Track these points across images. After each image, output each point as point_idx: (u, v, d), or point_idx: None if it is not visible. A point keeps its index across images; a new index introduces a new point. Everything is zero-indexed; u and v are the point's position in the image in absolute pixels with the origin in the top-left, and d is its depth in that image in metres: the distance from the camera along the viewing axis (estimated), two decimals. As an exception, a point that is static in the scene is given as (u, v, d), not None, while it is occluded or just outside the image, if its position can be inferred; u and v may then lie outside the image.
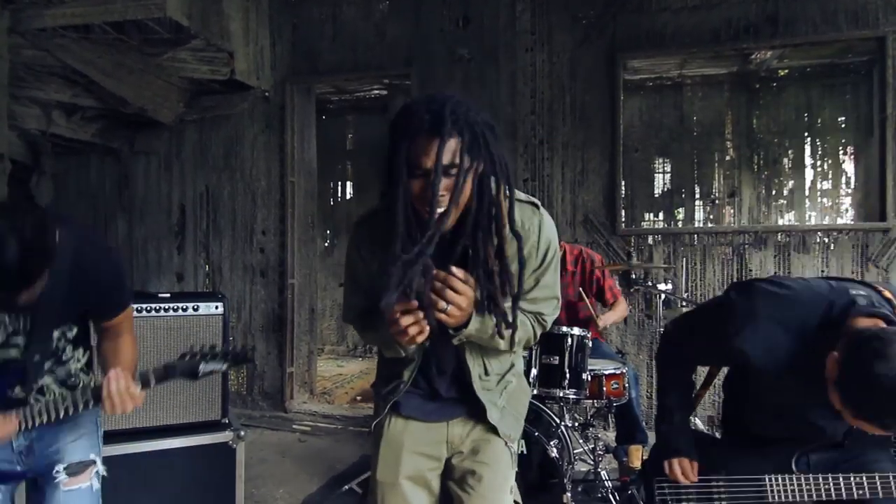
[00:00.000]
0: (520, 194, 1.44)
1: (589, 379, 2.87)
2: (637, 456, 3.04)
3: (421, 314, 1.27)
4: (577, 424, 3.23)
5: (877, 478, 1.54)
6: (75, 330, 1.67)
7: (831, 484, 1.57)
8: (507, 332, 1.37)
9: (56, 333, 1.62)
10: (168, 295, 2.69)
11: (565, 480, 2.61)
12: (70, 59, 4.07)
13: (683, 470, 1.73)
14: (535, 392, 2.83)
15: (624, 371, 3.00)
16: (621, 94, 4.34)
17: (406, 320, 1.28)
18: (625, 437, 3.26)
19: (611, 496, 2.89)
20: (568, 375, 2.81)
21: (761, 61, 5.72)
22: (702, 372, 2.02)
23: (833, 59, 5.74)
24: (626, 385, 3.00)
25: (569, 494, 2.59)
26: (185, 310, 2.65)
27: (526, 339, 1.53)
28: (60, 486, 1.60)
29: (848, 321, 1.41)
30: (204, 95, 4.97)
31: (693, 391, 1.90)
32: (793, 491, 1.60)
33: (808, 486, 1.59)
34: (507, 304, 1.35)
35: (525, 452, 2.64)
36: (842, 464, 1.61)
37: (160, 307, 2.61)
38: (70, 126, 4.81)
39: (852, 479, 1.55)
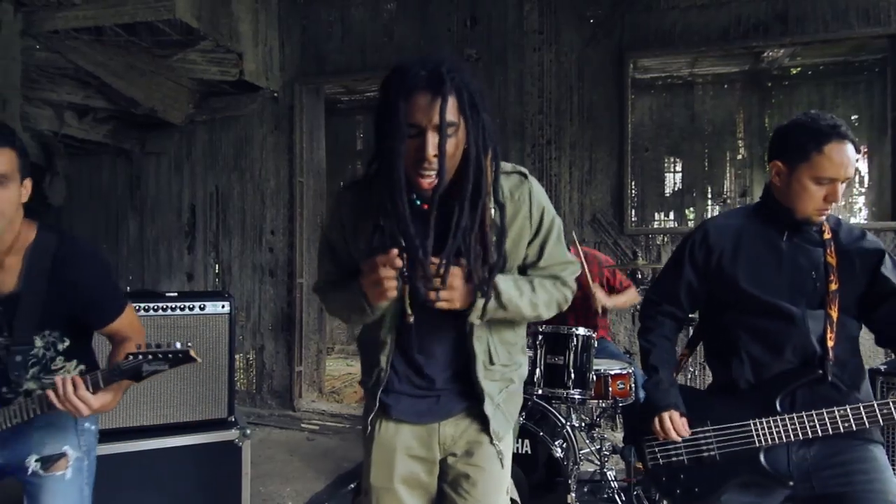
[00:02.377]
0: (506, 165, 1.43)
1: (594, 379, 2.85)
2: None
3: (397, 272, 1.28)
4: (583, 424, 3.22)
5: (861, 408, 1.52)
6: (67, 342, 1.70)
7: (816, 420, 1.55)
8: (480, 302, 1.36)
9: (39, 341, 1.65)
10: (175, 294, 2.71)
11: (570, 480, 2.60)
12: (82, 61, 4.13)
13: (674, 424, 1.68)
14: (539, 392, 2.82)
15: (630, 371, 2.97)
16: (629, 93, 4.31)
17: (384, 272, 1.26)
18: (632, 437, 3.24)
19: (616, 497, 2.88)
20: (573, 375, 2.79)
21: (773, 59, 5.67)
22: (682, 340, 2.00)
23: (846, 57, 5.68)
24: (633, 385, 2.98)
25: (573, 494, 2.58)
26: (191, 309, 2.67)
27: (554, 303, 1.51)
28: (39, 473, 1.66)
29: None
30: (213, 96, 5.02)
31: (675, 350, 1.87)
32: (779, 432, 1.59)
33: (793, 426, 1.57)
34: (485, 275, 1.34)
35: (530, 452, 2.64)
36: (824, 399, 1.58)
37: (167, 306, 2.63)
38: (82, 127, 4.87)
39: (836, 412, 1.53)
